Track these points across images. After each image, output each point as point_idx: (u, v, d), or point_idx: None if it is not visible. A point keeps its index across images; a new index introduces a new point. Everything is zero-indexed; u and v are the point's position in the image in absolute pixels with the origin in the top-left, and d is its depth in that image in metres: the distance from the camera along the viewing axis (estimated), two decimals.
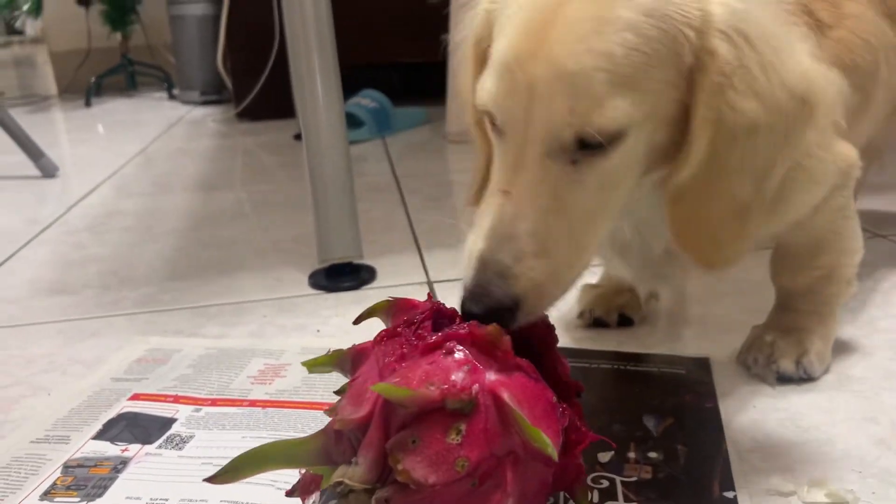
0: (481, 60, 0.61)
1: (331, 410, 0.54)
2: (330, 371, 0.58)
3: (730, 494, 0.62)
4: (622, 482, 0.64)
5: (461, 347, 0.52)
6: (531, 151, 0.53)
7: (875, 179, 1.12)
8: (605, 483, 0.64)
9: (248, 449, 0.53)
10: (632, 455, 0.67)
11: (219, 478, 0.53)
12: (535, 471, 0.51)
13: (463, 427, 0.48)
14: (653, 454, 0.67)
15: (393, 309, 0.58)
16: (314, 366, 0.57)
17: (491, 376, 0.51)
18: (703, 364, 0.83)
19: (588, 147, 0.53)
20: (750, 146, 0.56)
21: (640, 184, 0.59)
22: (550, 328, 0.58)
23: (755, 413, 0.73)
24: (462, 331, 0.53)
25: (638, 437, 0.70)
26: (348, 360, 0.57)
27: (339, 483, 0.51)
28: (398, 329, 0.55)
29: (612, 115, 0.52)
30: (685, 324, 0.96)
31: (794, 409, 0.74)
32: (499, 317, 0.53)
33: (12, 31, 5.76)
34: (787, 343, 0.80)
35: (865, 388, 0.77)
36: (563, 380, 0.57)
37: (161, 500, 0.63)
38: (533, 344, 0.56)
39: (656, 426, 0.72)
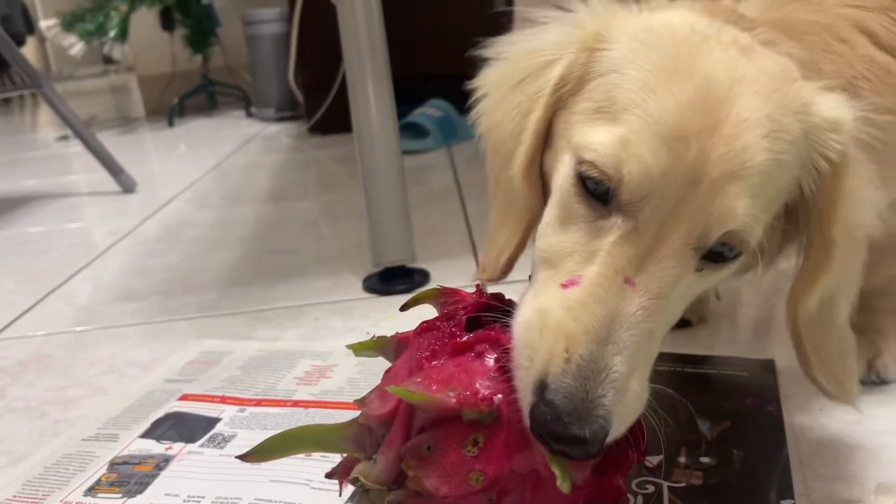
0: (554, 106, 0.53)
1: (360, 401, 0.53)
2: (375, 356, 0.56)
3: (787, 502, 0.57)
4: (669, 488, 0.60)
5: (492, 351, 0.49)
6: (673, 241, 0.46)
7: None
8: (651, 488, 0.60)
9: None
10: (682, 460, 0.63)
11: (251, 456, 0.52)
12: (560, 492, 0.48)
13: (481, 439, 0.45)
14: (705, 459, 0.63)
15: (441, 297, 0.56)
16: (359, 349, 0.56)
17: (517, 386, 0.47)
18: (767, 366, 0.78)
19: (715, 255, 0.48)
20: (856, 261, 0.54)
21: None
22: None
23: (822, 417, 0.68)
24: (492, 334, 0.50)
25: (690, 442, 0.66)
26: (392, 347, 0.55)
27: (358, 479, 0.49)
28: (437, 323, 0.53)
29: (760, 231, 0.48)
30: (751, 325, 0.90)
31: (866, 413, 0.68)
32: (597, 444, 0.43)
33: (108, 61, 6.09)
34: (859, 344, 0.73)
35: None
36: None
37: (198, 497, 0.63)
38: None
39: (710, 430, 0.67)
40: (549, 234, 0.51)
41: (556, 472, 0.43)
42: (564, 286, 0.47)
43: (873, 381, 0.72)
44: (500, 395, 0.46)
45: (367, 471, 0.48)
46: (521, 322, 0.48)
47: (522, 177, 0.56)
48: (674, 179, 0.45)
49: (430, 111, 2.23)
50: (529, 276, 0.56)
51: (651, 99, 0.46)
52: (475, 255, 1.22)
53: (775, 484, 0.59)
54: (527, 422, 0.45)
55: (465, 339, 0.50)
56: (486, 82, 0.60)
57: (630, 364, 0.45)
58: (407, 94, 2.26)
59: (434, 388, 0.46)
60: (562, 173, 0.51)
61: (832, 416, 0.68)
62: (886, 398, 0.70)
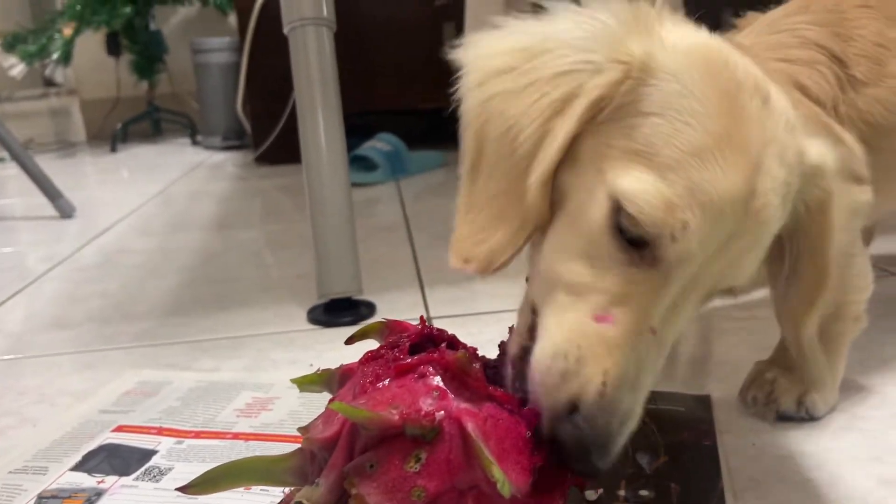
0: (585, 124, 0.50)
1: (304, 429, 0.53)
2: (319, 391, 0.57)
3: None
4: None
5: (434, 372, 0.50)
6: (694, 296, 0.51)
7: (892, 220, 1.09)
8: None
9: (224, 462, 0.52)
10: (621, 493, 0.64)
11: (193, 488, 0.51)
12: None
13: (423, 455, 0.46)
14: (644, 492, 0.64)
15: (385, 330, 0.57)
16: (303, 384, 0.56)
17: (459, 404, 0.49)
18: (703, 402, 0.80)
19: None
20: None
21: None
22: None
23: (755, 451, 0.70)
24: (434, 355, 0.51)
25: (629, 475, 0.67)
26: (335, 380, 0.55)
27: (301, 503, 0.49)
28: (381, 351, 0.54)
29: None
30: (688, 362, 0.92)
31: (796, 448, 0.70)
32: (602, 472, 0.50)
33: (49, 83, 5.95)
34: (790, 381, 0.76)
35: (873, 426, 0.73)
36: None
37: None
38: None
39: (649, 463, 0.68)
40: (571, 261, 0.51)
41: (497, 477, 0.45)
42: (598, 320, 0.49)
43: (802, 417, 0.75)
44: (442, 412, 0.47)
45: (309, 493, 0.48)
46: (551, 346, 0.50)
47: (541, 185, 0.51)
48: (708, 248, 0.49)
49: (379, 145, 2.25)
50: (526, 279, 0.57)
51: (698, 165, 0.47)
52: (422, 288, 1.22)
53: None
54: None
55: (408, 361, 0.51)
56: (486, 54, 0.55)
57: (642, 403, 0.50)
58: (360, 130, 2.28)
59: (378, 407, 0.47)
60: (593, 212, 0.50)
61: (765, 451, 0.70)
62: (817, 434, 0.73)
